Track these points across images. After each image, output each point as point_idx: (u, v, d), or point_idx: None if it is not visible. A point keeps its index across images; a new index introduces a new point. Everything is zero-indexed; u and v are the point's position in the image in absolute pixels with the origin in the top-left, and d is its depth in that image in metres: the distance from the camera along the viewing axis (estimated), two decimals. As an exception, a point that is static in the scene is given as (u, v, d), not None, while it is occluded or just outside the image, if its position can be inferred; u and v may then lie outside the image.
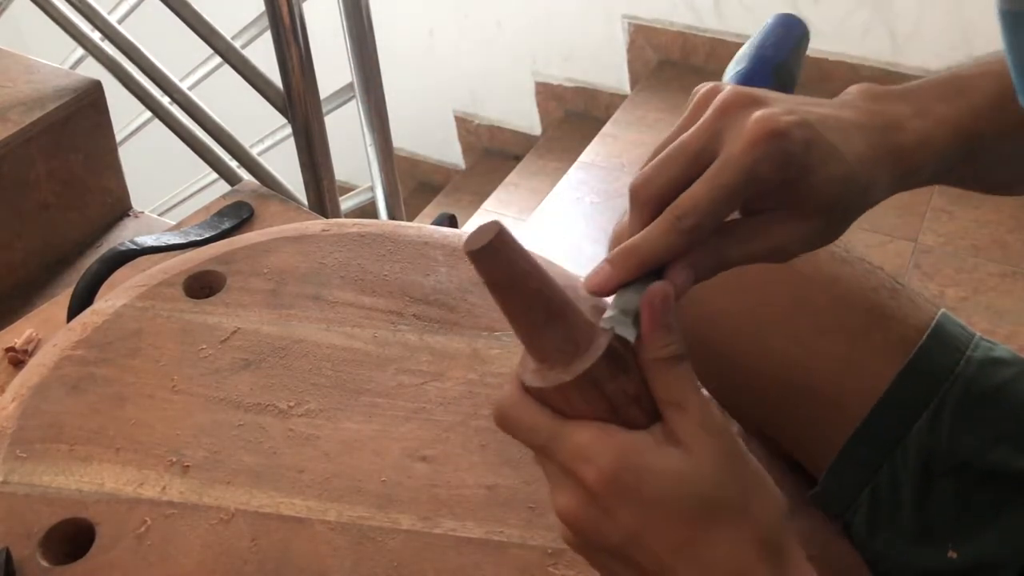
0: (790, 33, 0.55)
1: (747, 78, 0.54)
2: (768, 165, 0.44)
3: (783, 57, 0.55)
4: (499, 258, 0.41)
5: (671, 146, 0.47)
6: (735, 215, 0.48)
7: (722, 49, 2.36)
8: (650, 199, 0.46)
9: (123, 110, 1.55)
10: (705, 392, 0.44)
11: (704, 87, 0.50)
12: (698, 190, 0.45)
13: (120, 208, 1.36)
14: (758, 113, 0.45)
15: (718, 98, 0.47)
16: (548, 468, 0.44)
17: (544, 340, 0.43)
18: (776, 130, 0.44)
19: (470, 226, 2.21)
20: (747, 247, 0.47)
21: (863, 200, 0.49)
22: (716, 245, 0.46)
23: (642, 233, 0.45)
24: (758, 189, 0.45)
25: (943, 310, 0.70)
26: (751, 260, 0.47)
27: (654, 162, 0.47)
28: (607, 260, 0.45)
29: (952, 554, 0.65)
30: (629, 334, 0.43)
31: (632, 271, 0.45)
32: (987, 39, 2.05)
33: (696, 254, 0.45)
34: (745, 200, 0.46)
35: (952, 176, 0.55)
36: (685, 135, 0.47)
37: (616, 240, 0.81)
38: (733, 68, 0.56)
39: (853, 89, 0.53)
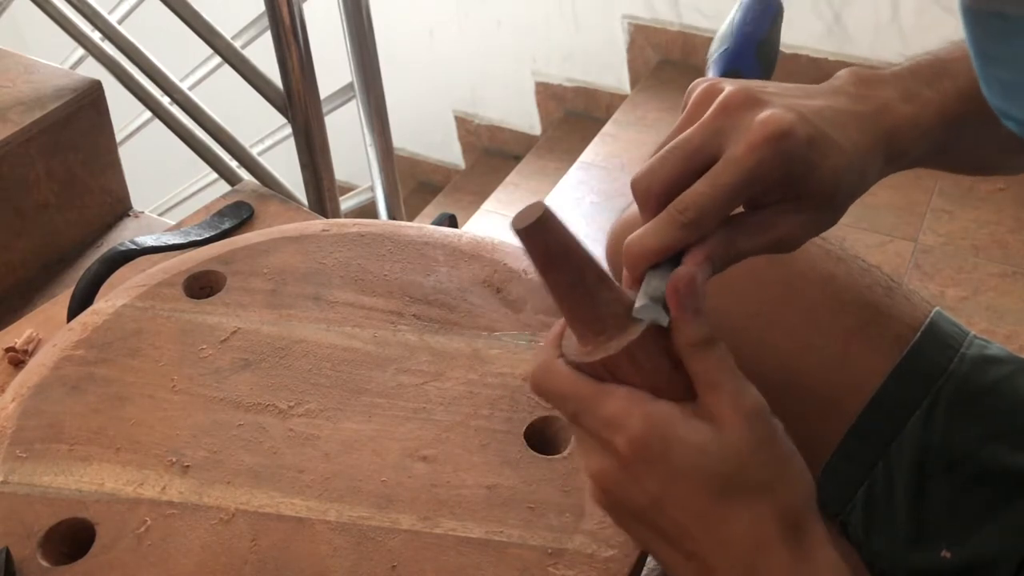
0: (767, 10, 0.57)
1: (733, 56, 0.56)
2: (771, 165, 0.46)
3: (764, 33, 0.57)
4: (549, 232, 0.43)
5: (672, 142, 0.48)
6: (740, 209, 0.49)
7: (722, 49, 2.36)
8: (649, 192, 0.47)
9: (123, 110, 1.55)
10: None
11: (701, 84, 0.51)
12: (700, 187, 0.46)
13: (120, 208, 1.36)
14: (762, 115, 0.46)
15: (720, 97, 0.48)
16: (580, 433, 0.46)
17: (597, 307, 0.45)
18: (779, 131, 0.46)
19: (470, 226, 2.21)
20: (756, 239, 0.48)
21: (860, 185, 0.51)
22: (728, 237, 0.47)
23: (645, 227, 0.47)
24: (760, 188, 0.47)
25: (937, 308, 0.71)
26: (760, 251, 0.49)
27: (655, 156, 0.48)
28: (623, 254, 0.47)
29: (946, 554, 0.65)
30: (662, 319, 0.45)
31: (641, 266, 0.47)
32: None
33: (709, 247, 0.46)
34: (750, 196, 0.48)
35: (938, 159, 0.57)
36: (686, 132, 0.48)
37: (612, 236, 0.81)
38: (717, 48, 0.58)
39: (843, 73, 0.54)
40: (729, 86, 0.49)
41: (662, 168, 0.47)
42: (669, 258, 0.46)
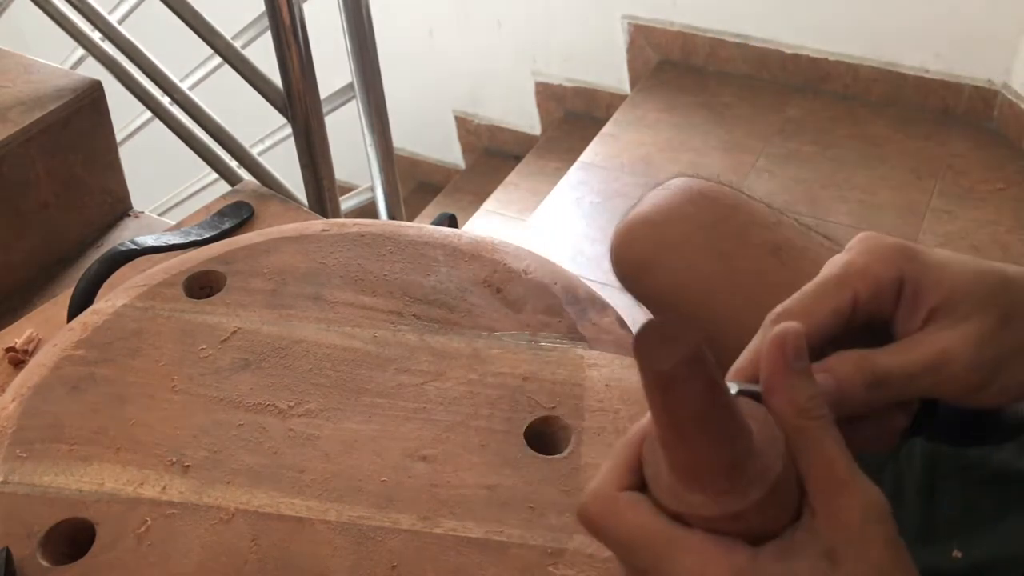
0: None
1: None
2: (865, 256, 0.43)
3: None
4: (697, 380, 0.31)
5: None
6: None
7: (722, 49, 2.36)
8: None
9: (123, 110, 1.55)
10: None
11: None
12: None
13: (120, 208, 1.36)
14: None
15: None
16: None
17: (739, 455, 0.34)
18: (872, 234, 0.44)
19: (470, 226, 2.21)
20: (897, 356, 0.41)
21: (1012, 297, 0.43)
22: (859, 352, 0.41)
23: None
24: (866, 286, 0.42)
25: None
26: (910, 374, 0.41)
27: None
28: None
29: (957, 554, 0.65)
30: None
31: (742, 377, 0.40)
32: (988, 36, 2.06)
33: (835, 358, 0.41)
34: (868, 314, 0.43)
35: None
36: None
37: (618, 238, 0.80)
38: None
39: None
40: None
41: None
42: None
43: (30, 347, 0.88)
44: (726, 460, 0.34)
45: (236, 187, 1.07)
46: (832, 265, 0.43)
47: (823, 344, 0.41)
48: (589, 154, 2.22)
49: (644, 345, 0.30)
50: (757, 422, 0.35)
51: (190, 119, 1.39)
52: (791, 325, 0.36)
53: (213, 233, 0.92)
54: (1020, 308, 0.42)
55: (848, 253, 0.43)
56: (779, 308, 0.41)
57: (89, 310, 0.74)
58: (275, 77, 1.24)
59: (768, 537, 0.35)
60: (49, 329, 0.89)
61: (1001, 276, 0.43)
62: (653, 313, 0.80)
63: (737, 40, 2.32)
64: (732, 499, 0.34)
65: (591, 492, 0.37)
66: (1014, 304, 0.42)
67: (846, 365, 0.40)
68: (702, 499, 0.35)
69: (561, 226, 2.03)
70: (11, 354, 0.87)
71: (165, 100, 1.44)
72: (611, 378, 0.66)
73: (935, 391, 0.42)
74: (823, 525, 0.34)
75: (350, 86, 1.34)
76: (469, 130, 2.85)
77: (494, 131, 2.80)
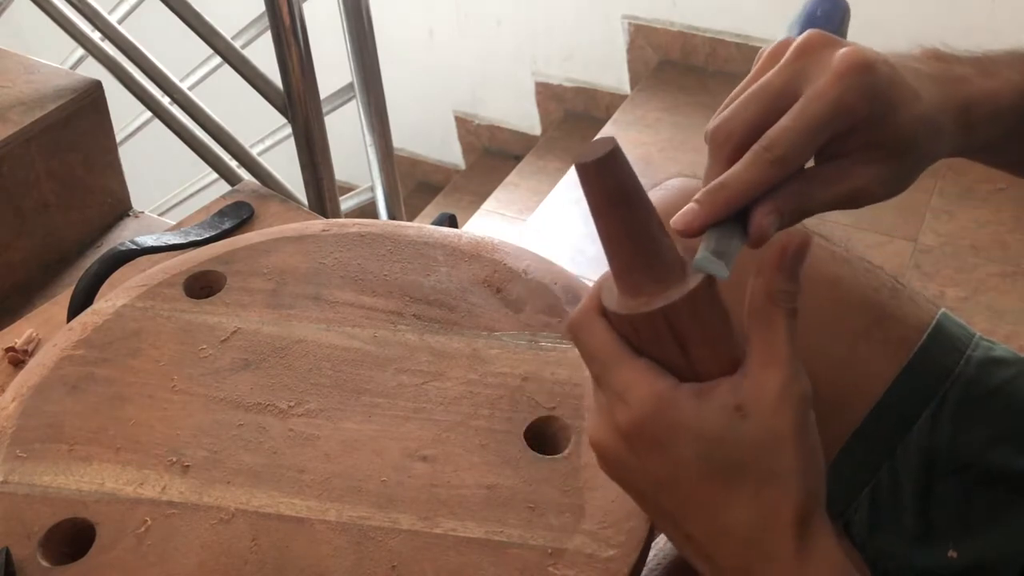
0: (836, 7, 0.54)
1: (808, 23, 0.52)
2: (856, 96, 0.44)
3: (834, 28, 0.53)
4: (615, 171, 0.40)
5: (752, 87, 0.47)
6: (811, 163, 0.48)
7: (722, 49, 2.36)
8: (730, 137, 0.46)
9: (123, 110, 1.55)
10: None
11: (772, 44, 0.49)
12: (786, 122, 0.44)
13: (120, 208, 1.36)
14: (845, 48, 0.45)
15: (797, 40, 0.47)
16: (596, 395, 0.44)
17: (640, 264, 0.42)
18: (864, 62, 0.44)
19: (470, 226, 2.21)
20: (830, 189, 0.46)
21: (934, 146, 0.49)
22: (800, 188, 0.45)
23: (729, 170, 0.44)
24: (845, 124, 0.45)
25: (943, 310, 0.70)
26: (833, 203, 0.47)
27: (734, 103, 0.46)
28: (695, 200, 0.44)
29: (952, 554, 0.65)
30: (723, 273, 0.42)
31: (720, 209, 0.44)
32: (987, 35, 2.06)
33: (781, 198, 0.44)
34: (828, 141, 0.46)
35: (1009, 146, 0.55)
36: (765, 76, 0.47)
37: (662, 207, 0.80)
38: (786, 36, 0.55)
39: (917, 50, 0.53)
40: (807, 32, 0.48)
41: (742, 113, 0.46)
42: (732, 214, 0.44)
43: (30, 347, 0.88)
44: (645, 257, 0.42)
45: (236, 187, 1.07)
46: (823, 96, 0.44)
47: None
48: (589, 154, 2.21)
49: (583, 153, 0.40)
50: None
51: (190, 119, 1.39)
52: (804, 241, 0.41)
53: (213, 233, 0.92)
54: (925, 158, 0.49)
55: (840, 82, 0.44)
56: (777, 152, 0.44)
57: (89, 310, 0.74)
58: (275, 77, 1.24)
59: (699, 378, 0.42)
60: (49, 329, 0.89)
61: (932, 130, 0.48)
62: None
63: (737, 40, 2.32)
64: (652, 299, 0.41)
65: (578, 308, 0.45)
66: (922, 156, 0.49)
67: (788, 203, 0.45)
68: (627, 301, 0.42)
69: (561, 226, 2.02)
70: (11, 354, 0.87)
71: (165, 100, 1.44)
72: (611, 378, 0.66)
73: (844, 209, 0.49)
74: (748, 385, 0.41)
75: (350, 86, 1.34)
76: (469, 130, 2.85)
77: (494, 131, 2.80)
